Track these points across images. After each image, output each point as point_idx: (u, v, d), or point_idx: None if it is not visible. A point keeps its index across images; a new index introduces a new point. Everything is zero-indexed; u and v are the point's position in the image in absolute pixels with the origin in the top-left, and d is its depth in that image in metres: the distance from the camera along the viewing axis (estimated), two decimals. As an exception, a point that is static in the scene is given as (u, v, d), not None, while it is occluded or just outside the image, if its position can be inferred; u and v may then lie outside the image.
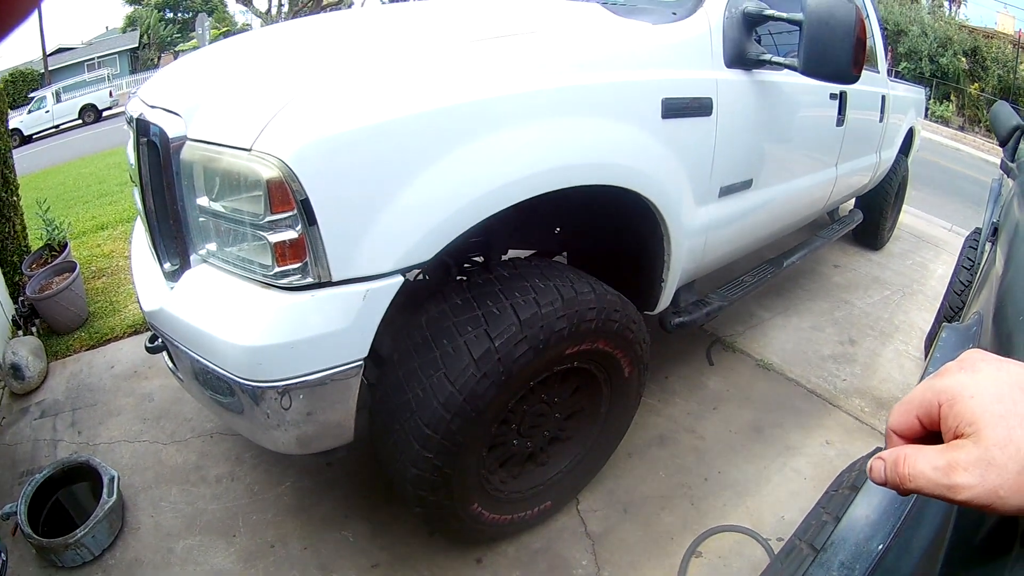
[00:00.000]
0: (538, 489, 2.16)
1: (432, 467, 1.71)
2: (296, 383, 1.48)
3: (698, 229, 2.27)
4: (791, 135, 2.82)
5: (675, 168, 2.05)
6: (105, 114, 22.68)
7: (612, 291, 1.95)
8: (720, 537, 2.28)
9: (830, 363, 3.53)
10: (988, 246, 2.21)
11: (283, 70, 1.66)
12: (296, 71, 1.60)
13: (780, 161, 2.80)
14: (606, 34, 1.93)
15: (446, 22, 2.04)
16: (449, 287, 1.87)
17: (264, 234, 1.41)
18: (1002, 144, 3.05)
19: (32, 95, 23.26)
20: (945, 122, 21.26)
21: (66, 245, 4.06)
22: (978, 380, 0.52)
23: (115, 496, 2.20)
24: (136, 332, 3.58)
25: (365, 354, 1.54)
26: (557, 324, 1.73)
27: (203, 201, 1.53)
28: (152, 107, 1.72)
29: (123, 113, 2.00)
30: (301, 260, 1.41)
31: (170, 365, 1.94)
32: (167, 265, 1.73)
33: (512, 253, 2.23)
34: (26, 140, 19.92)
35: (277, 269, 1.42)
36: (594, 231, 2.40)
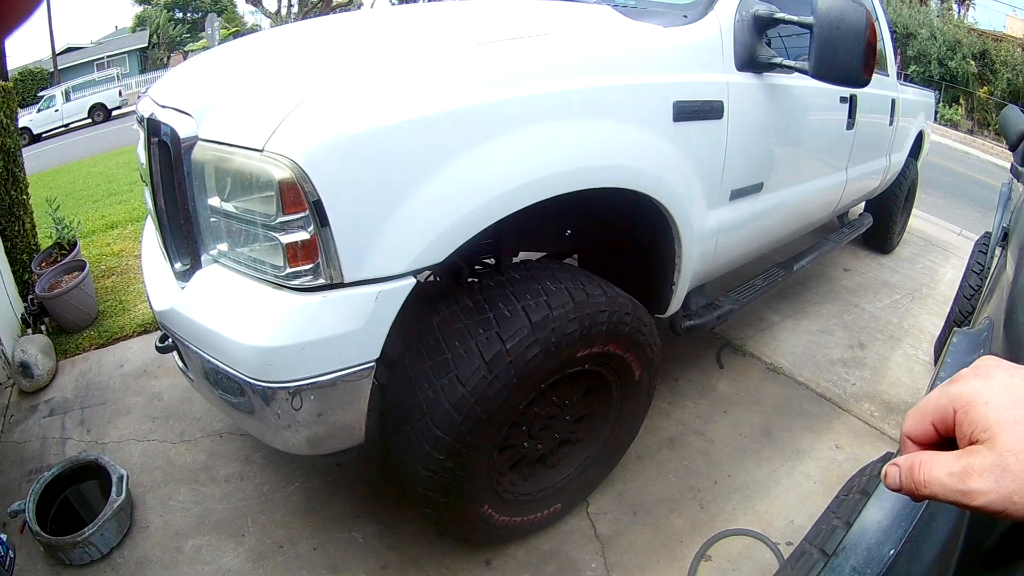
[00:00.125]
0: (548, 491, 2.16)
1: (442, 469, 1.70)
2: (307, 384, 1.48)
3: (709, 232, 2.26)
4: (801, 138, 2.81)
5: (686, 171, 2.05)
6: (114, 113, 22.77)
7: (623, 294, 1.95)
8: (729, 541, 2.27)
9: (839, 367, 3.52)
10: (998, 251, 2.20)
11: (295, 71, 1.66)
12: (308, 72, 1.60)
13: (791, 164, 2.80)
14: (618, 37, 1.93)
15: (457, 24, 2.04)
16: (460, 289, 1.87)
17: (276, 235, 1.41)
18: (1012, 148, 3.04)
19: (42, 94, 23.36)
20: (954, 125, 21.17)
21: (75, 244, 4.07)
22: (993, 386, 0.52)
23: (124, 495, 2.21)
24: (145, 331, 3.59)
25: (376, 356, 1.54)
26: (568, 327, 1.73)
27: (214, 201, 1.53)
28: (163, 107, 1.72)
29: (132, 112, 2.01)
30: (313, 261, 1.41)
31: (180, 365, 1.94)
32: (178, 265, 1.73)
33: (523, 255, 2.23)
34: (36, 139, 20.00)
35: (289, 270, 1.42)
36: (605, 234, 2.40)
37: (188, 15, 39.26)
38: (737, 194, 2.35)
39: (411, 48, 1.68)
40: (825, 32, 1.95)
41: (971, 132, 20.88)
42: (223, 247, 1.57)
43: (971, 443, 0.50)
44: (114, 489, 2.21)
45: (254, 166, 1.39)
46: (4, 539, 2.07)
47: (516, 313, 1.68)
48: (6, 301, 3.50)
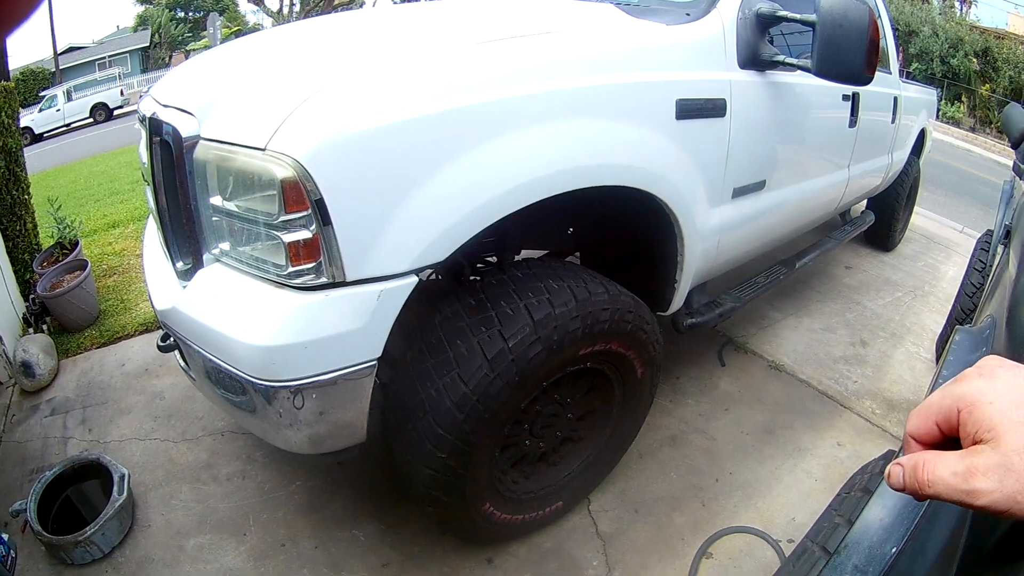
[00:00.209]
0: (550, 489, 2.16)
1: (445, 467, 1.70)
2: (309, 383, 1.48)
3: (711, 230, 2.26)
4: (804, 136, 2.80)
5: (689, 169, 2.05)
6: (116, 113, 22.79)
7: (625, 292, 1.95)
8: (731, 538, 2.27)
9: (841, 364, 3.51)
10: (1000, 249, 2.20)
11: (297, 69, 1.66)
12: (310, 70, 1.60)
13: (793, 162, 2.79)
14: (621, 35, 1.92)
15: (459, 22, 2.03)
16: (463, 287, 1.87)
17: (278, 234, 1.41)
18: (1014, 146, 3.03)
19: (43, 93, 23.38)
20: (956, 123, 21.16)
21: (77, 243, 4.08)
22: (997, 386, 0.52)
23: (125, 494, 2.21)
24: (147, 330, 3.59)
25: (378, 354, 1.54)
26: (571, 325, 1.73)
27: (216, 200, 1.53)
28: (165, 106, 1.72)
29: (134, 112, 2.01)
30: (315, 260, 1.41)
31: (182, 364, 1.95)
32: (180, 264, 1.73)
33: (525, 253, 2.23)
34: (37, 138, 20.03)
35: (291, 269, 1.42)
36: (607, 232, 2.40)
37: (190, 14, 39.24)
38: (739, 192, 2.35)
39: (413, 46, 1.68)
40: (828, 30, 1.95)
41: (973, 130, 20.86)
42: (225, 246, 1.57)
43: (975, 443, 0.51)
44: (115, 488, 2.21)
45: (256, 165, 1.39)
46: (6, 538, 2.07)
47: (518, 311, 1.68)
48: (8, 301, 3.51)
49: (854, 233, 4.44)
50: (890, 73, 4.02)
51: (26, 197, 3.97)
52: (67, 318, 3.64)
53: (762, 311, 4.01)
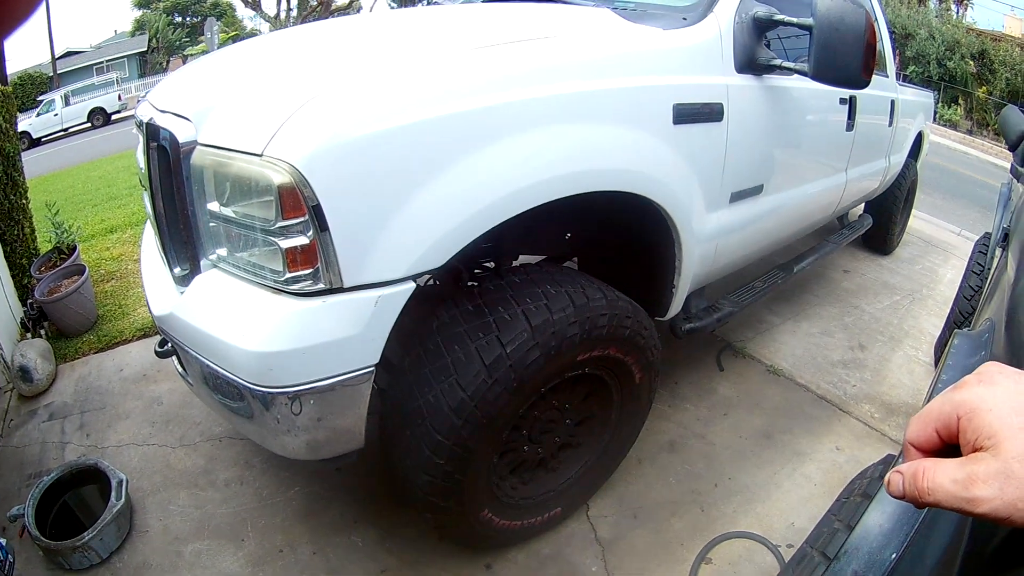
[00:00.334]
0: (548, 495, 2.15)
1: (443, 473, 1.70)
2: (307, 389, 1.47)
3: (709, 235, 2.26)
4: (801, 140, 2.81)
5: (686, 174, 2.05)
6: (114, 117, 22.80)
7: (623, 297, 1.95)
8: (730, 544, 2.27)
9: (840, 369, 3.51)
10: (998, 251, 2.20)
11: (294, 75, 1.66)
12: (307, 76, 1.60)
13: (790, 166, 2.79)
14: (618, 40, 1.92)
15: (456, 27, 2.04)
16: (460, 293, 1.86)
17: (275, 240, 1.40)
18: (1012, 148, 3.04)
19: (41, 98, 23.40)
20: (953, 126, 21.18)
21: (75, 248, 4.07)
22: (996, 393, 0.52)
23: (123, 499, 2.21)
24: (145, 335, 3.58)
25: (376, 360, 1.53)
26: (569, 330, 1.73)
27: (213, 206, 1.52)
28: (162, 111, 1.72)
29: (132, 116, 2.00)
30: (312, 266, 1.41)
31: (180, 369, 1.94)
32: (177, 270, 1.73)
33: (523, 259, 2.23)
34: (35, 143, 20.03)
35: (288, 275, 1.42)
36: (605, 237, 2.39)
37: (187, 19, 39.31)
38: (737, 196, 2.35)
39: (411, 52, 1.68)
40: (825, 34, 1.95)
41: (970, 132, 20.89)
42: (222, 252, 1.57)
43: (975, 450, 0.50)
44: (113, 494, 2.21)
45: (253, 171, 1.38)
46: (3, 543, 2.07)
47: (516, 317, 1.68)
48: (5, 305, 3.50)
49: (852, 237, 4.44)
50: (887, 76, 4.02)
51: (24, 202, 3.97)
52: (65, 323, 3.64)
53: (760, 315, 4.01)
